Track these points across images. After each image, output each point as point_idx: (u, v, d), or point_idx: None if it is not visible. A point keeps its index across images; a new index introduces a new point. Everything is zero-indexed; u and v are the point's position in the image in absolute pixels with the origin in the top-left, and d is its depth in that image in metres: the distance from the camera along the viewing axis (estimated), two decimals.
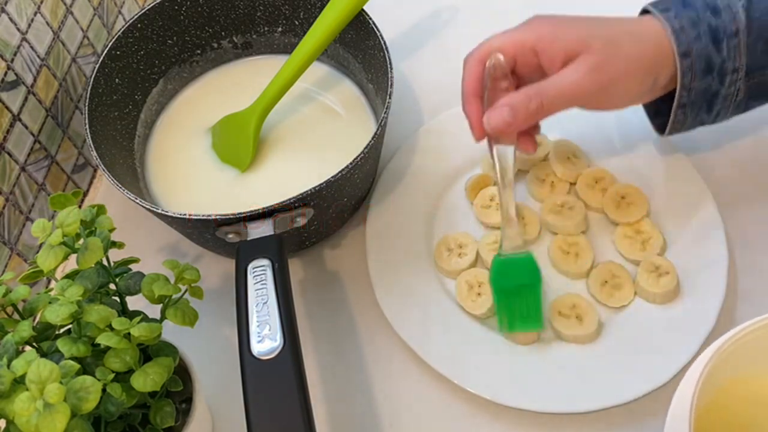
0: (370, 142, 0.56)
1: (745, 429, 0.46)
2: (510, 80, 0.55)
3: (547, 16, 0.55)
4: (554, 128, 0.67)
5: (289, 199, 0.53)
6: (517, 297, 0.55)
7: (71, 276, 0.48)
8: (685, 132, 0.58)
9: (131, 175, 0.64)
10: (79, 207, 0.47)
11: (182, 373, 0.50)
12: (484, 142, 0.56)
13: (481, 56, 0.55)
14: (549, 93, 0.52)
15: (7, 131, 0.60)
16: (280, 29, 0.71)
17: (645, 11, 0.55)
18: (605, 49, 0.52)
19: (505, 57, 0.54)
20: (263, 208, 0.53)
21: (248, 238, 0.52)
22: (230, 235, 0.54)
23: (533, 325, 0.56)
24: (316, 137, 0.68)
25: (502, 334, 0.57)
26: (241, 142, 0.66)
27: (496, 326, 0.58)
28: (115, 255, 0.51)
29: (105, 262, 0.49)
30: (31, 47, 0.63)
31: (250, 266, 0.50)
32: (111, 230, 0.49)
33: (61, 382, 0.39)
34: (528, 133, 0.57)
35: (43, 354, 0.46)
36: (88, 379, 0.40)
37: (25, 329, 0.44)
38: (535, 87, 0.52)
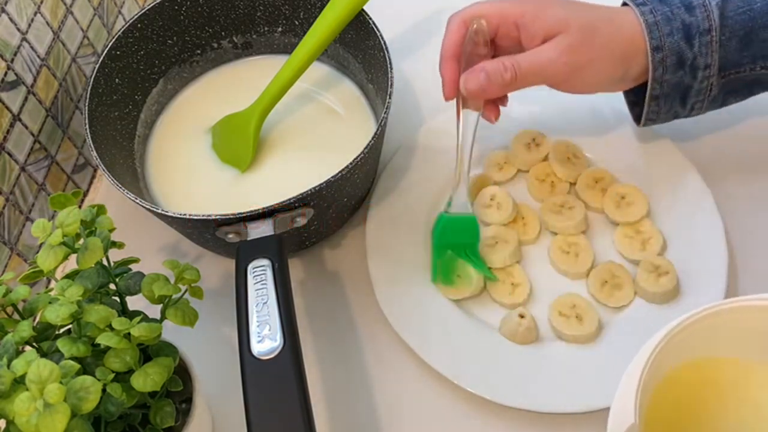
0: (370, 142, 0.56)
1: (696, 411, 0.46)
2: (489, 48, 0.57)
3: None
4: (554, 128, 0.67)
5: (289, 199, 0.53)
6: (456, 254, 0.59)
7: (71, 276, 0.48)
8: (661, 123, 0.60)
9: (131, 175, 0.64)
10: (79, 207, 0.47)
11: (182, 373, 0.50)
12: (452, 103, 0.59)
13: (465, 19, 0.57)
14: (524, 66, 0.54)
15: (7, 131, 0.60)
16: (280, 29, 0.71)
17: (625, 3, 0.57)
18: (583, 32, 0.54)
19: (488, 25, 0.56)
20: (263, 208, 0.53)
21: (248, 238, 0.52)
22: (230, 235, 0.54)
23: (465, 284, 0.59)
24: (316, 137, 0.68)
25: (434, 284, 0.60)
26: (241, 142, 0.66)
27: (496, 326, 0.58)
28: (115, 255, 0.51)
29: (105, 262, 0.49)
30: (31, 47, 0.63)
31: (250, 266, 0.50)
32: (111, 230, 0.49)
33: (61, 382, 0.39)
34: (494, 103, 0.59)
35: (43, 354, 0.45)
36: (88, 379, 0.40)
37: (25, 329, 0.44)
38: (511, 58, 0.54)
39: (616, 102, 0.68)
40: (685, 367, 0.46)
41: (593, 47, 0.54)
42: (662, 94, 0.56)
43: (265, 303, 0.48)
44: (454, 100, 0.58)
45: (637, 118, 0.61)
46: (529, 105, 0.68)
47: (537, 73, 0.54)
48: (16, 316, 0.47)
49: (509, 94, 0.59)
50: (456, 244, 0.60)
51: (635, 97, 0.61)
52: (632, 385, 0.41)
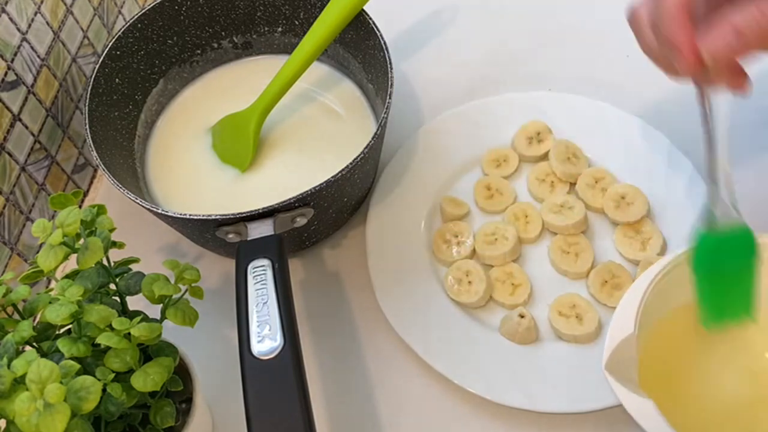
0: (370, 142, 0.56)
1: (687, 355, 0.46)
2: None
3: None
4: (555, 128, 0.67)
5: (289, 199, 0.53)
6: (728, 280, 0.46)
7: (71, 276, 0.48)
8: None
9: (131, 175, 0.64)
10: (80, 207, 0.47)
11: (182, 373, 0.50)
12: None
13: None
14: None
15: (8, 131, 0.60)
16: (280, 29, 0.71)
17: None
18: None
19: None
20: (263, 208, 0.53)
21: (248, 238, 0.52)
22: (230, 235, 0.54)
23: (744, 312, 0.46)
24: (316, 137, 0.68)
25: (707, 328, 0.47)
26: (241, 142, 0.66)
27: (496, 326, 0.58)
28: (115, 255, 0.51)
29: (105, 262, 0.49)
30: (31, 47, 0.63)
31: (250, 266, 0.50)
32: (111, 230, 0.49)
33: (61, 382, 0.39)
34: (738, 68, 0.44)
35: (43, 354, 0.46)
36: (88, 379, 0.40)
37: (25, 329, 0.44)
38: (763, 2, 0.40)
39: (616, 102, 0.68)
40: (675, 313, 0.46)
41: None
42: None
43: (265, 303, 0.48)
44: (689, 78, 0.45)
45: None
46: (530, 104, 0.68)
47: None
48: (16, 316, 0.47)
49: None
50: (731, 269, 0.45)
51: None
52: (635, 297, 0.40)
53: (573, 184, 0.65)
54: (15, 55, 0.61)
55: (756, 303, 0.46)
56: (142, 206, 0.55)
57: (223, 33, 0.71)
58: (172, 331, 0.49)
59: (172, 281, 0.48)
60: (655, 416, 0.39)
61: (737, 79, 0.44)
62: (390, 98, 0.58)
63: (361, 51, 0.66)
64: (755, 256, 0.45)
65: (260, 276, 0.49)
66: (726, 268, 0.46)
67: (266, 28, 0.71)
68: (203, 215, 0.53)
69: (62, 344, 0.43)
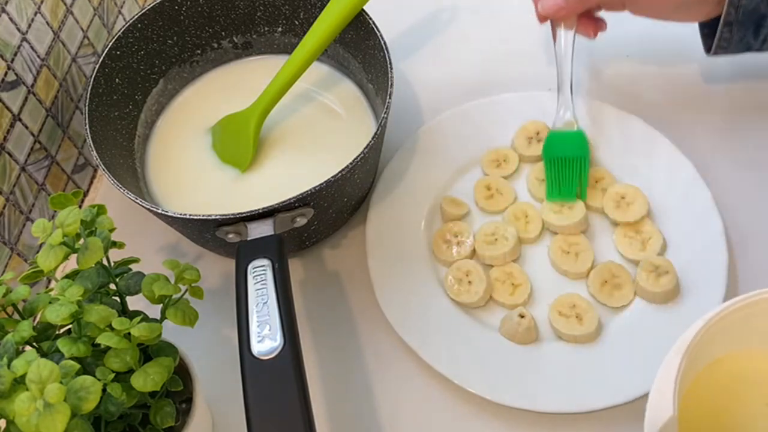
0: (370, 142, 0.56)
1: (729, 406, 0.46)
2: None
3: None
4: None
5: (289, 199, 0.53)
6: (563, 168, 0.62)
7: (71, 276, 0.48)
8: (732, 54, 0.60)
9: (131, 175, 0.64)
10: (79, 207, 0.47)
11: (182, 373, 0.50)
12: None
13: None
14: None
15: (8, 131, 0.60)
16: (280, 29, 0.71)
17: None
18: None
19: None
20: (263, 208, 0.53)
21: (248, 238, 0.52)
22: (230, 235, 0.54)
23: (570, 195, 0.62)
24: (316, 137, 0.68)
25: (550, 200, 0.62)
26: (241, 142, 0.66)
27: (496, 326, 0.58)
28: (115, 255, 0.51)
29: (105, 262, 0.49)
30: (31, 47, 0.63)
31: (250, 266, 0.50)
32: (111, 230, 0.49)
33: (61, 382, 0.39)
34: (589, 19, 0.63)
35: (43, 354, 0.46)
36: (88, 379, 0.40)
37: (25, 329, 0.44)
38: None
39: (616, 102, 0.68)
40: (718, 362, 0.46)
41: None
42: (736, 21, 0.56)
43: (265, 303, 0.48)
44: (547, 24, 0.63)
45: (708, 48, 0.62)
46: (530, 104, 0.68)
47: None
48: (16, 316, 0.47)
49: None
50: (565, 158, 0.62)
51: (708, 29, 0.61)
52: (671, 375, 0.40)
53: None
54: (15, 55, 0.61)
55: (585, 189, 0.62)
56: (142, 206, 0.55)
57: (223, 33, 0.71)
58: (172, 331, 0.49)
59: (172, 281, 0.48)
60: None
61: (586, 27, 0.63)
62: (390, 98, 0.58)
63: (361, 51, 0.66)
64: (586, 153, 0.63)
65: (260, 276, 0.49)
66: (564, 158, 0.63)
67: (266, 28, 0.71)
68: (203, 215, 0.53)
69: (62, 344, 0.43)
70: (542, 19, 0.64)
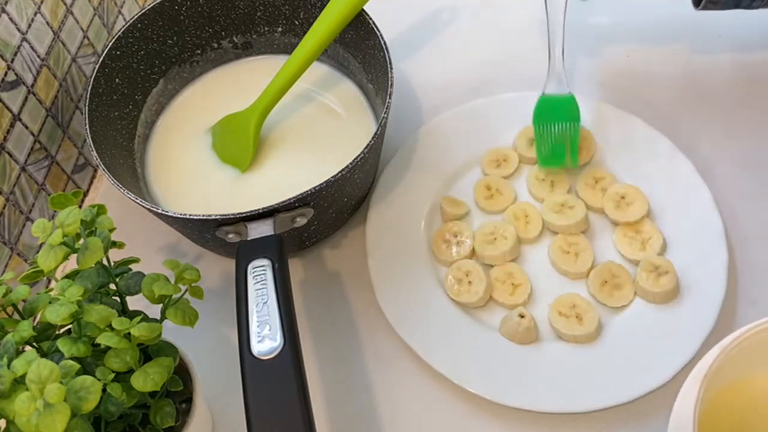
0: (370, 142, 0.56)
1: (748, 429, 0.46)
2: None
3: None
4: None
5: (289, 199, 0.53)
6: (553, 133, 0.62)
7: (71, 276, 0.48)
8: (721, 9, 0.60)
9: (131, 175, 0.64)
10: (79, 207, 0.47)
11: (182, 373, 0.50)
12: None
13: None
14: None
15: (8, 131, 0.60)
16: (280, 29, 0.71)
17: None
18: None
19: None
20: (263, 208, 0.53)
21: (248, 238, 0.52)
22: (230, 235, 0.54)
23: (560, 161, 0.62)
24: (316, 137, 0.68)
25: (543, 168, 0.63)
26: (241, 142, 0.66)
27: (496, 326, 0.58)
28: (115, 255, 0.51)
29: (105, 262, 0.49)
30: (31, 47, 0.63)
31: (250, 266, 0.50)
32: (111, 230, 0.49)
33: (61, 382, 0.39)
34: None
35: (43, 354, 0.46)
36: (88, 379, 0.40)
37: (25, 329, 0.44)
38: None
39: (616, 102, 0.68)
40: (736, 384, 0.45)
41: None
42: None
43: (265, 303, 0.48)
44: None
45: (697, 2, 0.61)
46: (530, 104, 0.68)
47: None
48: (16, 316, 0.47)
49: None
50: (555, 123, 0.62)
51: None
52: (689, 404, 0.40)
53: (573, 184, 0.65)
54: (15, 55, 0.61)
55: (576, 154, 0.62)
56: (142, 206, 0.55)
57: (223, 33, 0.71)
58: (172, 331, 0.49)
59: (172, 281, 0.48)
60: None
61: None
62: (390, 98, 0.58)
63: (361, 51, 0.66)
64: (576, 118, 0.62)
65: (260, 276, 0.49)
66: (555, 124, 0.62)
67: (266, 28, 0.71)
68: (203, 215, 0.53)
69: (62, 344, 0.43)
70: None
